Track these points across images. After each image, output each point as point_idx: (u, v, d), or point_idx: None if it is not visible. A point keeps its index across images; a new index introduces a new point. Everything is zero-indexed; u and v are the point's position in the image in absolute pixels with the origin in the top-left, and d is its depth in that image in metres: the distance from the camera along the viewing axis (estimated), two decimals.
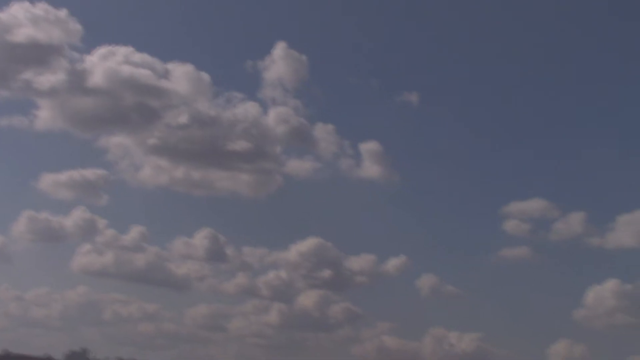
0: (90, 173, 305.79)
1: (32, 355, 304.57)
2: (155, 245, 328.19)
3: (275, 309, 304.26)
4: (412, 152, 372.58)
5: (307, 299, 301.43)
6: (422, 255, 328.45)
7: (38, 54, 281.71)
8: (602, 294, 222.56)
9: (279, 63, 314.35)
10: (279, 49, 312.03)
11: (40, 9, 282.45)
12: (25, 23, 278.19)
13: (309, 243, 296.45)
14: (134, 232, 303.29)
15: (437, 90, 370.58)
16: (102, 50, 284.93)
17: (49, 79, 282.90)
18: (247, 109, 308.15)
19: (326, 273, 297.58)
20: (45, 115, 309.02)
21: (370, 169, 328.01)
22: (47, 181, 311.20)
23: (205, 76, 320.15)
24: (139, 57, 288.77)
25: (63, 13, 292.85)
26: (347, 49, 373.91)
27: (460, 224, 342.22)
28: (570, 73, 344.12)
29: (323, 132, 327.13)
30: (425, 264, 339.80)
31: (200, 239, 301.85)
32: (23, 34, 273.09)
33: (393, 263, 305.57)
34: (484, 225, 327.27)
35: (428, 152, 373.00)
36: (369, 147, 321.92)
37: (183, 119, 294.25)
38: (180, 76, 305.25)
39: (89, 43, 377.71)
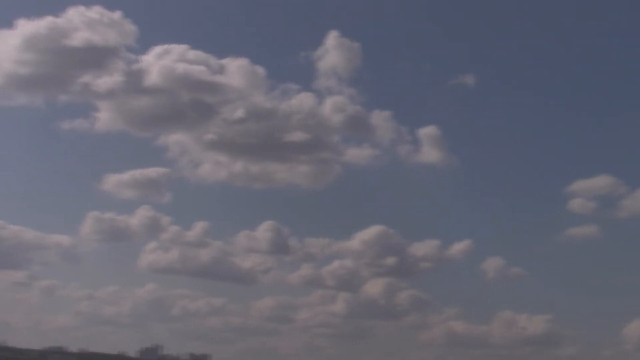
0: (151, 172, 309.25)
1: (107, 352, 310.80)
2: (219, 240, 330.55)
3: (341, 298, 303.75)
4: (470, 134, 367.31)
5: (373, 287, 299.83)
6: (486, 239, 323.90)
7: (95, 57, 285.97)
8: None
9: (332, 52, 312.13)
10: (332, 38, 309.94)
11: (95, 12, 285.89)
12: (82, 27, 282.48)
13: (371, 231, 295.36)
14: (198, 228, 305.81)
15: (492, 70, 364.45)
16: (157, 49, 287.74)
17: (106, 81, 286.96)
18: (302, 100, 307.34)
19: (390, 260, 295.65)
20: (105, 117, 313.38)
21: (430, 154, 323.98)
22: (111, 182, 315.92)
23: (260, 69, 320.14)
24: (193, 54, 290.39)
25: (117, 15, 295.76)
26: (399, 33, 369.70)
27: (524, 205, 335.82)
28: (629, 48, 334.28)
29: (380, 119, 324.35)
30: (490, 247, 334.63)
31: (263, 232, 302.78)
32: (80, 38, 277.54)
33: (458, 247, 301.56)
34: (549, 205, 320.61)
35: (487, 134, 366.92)
36: (427, 131, 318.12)
37: (239, 113, 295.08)
38: (235, 71, 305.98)
39: (144, 43, 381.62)
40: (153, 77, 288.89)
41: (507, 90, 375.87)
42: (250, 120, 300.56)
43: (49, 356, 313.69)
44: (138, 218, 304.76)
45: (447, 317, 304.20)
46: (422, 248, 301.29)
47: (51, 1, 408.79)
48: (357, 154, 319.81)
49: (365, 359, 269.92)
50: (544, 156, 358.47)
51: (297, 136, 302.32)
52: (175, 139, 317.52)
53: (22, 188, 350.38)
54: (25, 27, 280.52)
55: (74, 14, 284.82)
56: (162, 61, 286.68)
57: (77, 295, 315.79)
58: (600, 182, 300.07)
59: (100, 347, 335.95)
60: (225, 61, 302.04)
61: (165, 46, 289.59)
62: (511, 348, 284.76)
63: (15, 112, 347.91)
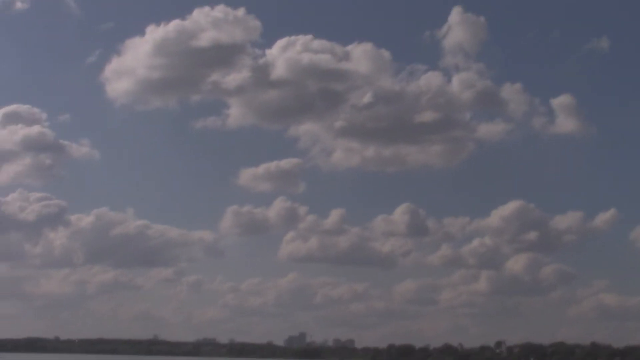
0: (285, 163, 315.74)
1: (256, 342, 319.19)
2: (356, 226, 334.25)
3: (484, 276, 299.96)
4: (607, 101, 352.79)
5: (516, 264, 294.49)
6: (632, 206, 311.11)
7: (222, 55, 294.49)
8: None
9: (457, 29, 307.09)
10: (455, 15, 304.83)
11: (219, 12, 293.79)
12: (207, 27, 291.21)
13: (510, 207, 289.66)
14: (334, 215, 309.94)
15: (628, 31, 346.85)
16: (282, 42, 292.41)
17: (235, 77, 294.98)
18: (430, 80, 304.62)
19: (532, 235, 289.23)
20: (235, 113, 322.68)
21: (565, 124, 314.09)
22: (246, 176, 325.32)
23: (385, 53, 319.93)
24: (317, 43, 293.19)
25: (241, 12, 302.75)
26: (523, 2, 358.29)
27: None
28: None
29: (511, 92, 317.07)
30: (638, 214, 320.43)
31: (400, 215, 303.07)
32: (206, 38, 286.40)
33: (602, 218, 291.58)
34: None
35: (625, 99, 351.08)
36: (561, 101, 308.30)
37: (368, 98, 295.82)
38: (361, 56, 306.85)
39: (269, 37, 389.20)
40: (280, 70, 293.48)
41: None
42: (378, 105, 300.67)
43: (202, 348, 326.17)
44: (275, 210, 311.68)
45: (596, 290, 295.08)
46: (565, 221, 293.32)
47: (178, 4, 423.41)
48: (490, 130, 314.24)
49: (512, 338, 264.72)
50: None
51: (427, 116, 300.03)
52: (305, 129, 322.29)
53: (163, 188, 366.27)
54: (155, 33, 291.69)
55: (200, 15, 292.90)
56: (287, 53, 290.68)
57: (223, 288, 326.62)
58: None
59: (248, 337, 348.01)
60: (349, 47, 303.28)
61: (289, 38, 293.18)
62: None
63: (152, 116, 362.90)
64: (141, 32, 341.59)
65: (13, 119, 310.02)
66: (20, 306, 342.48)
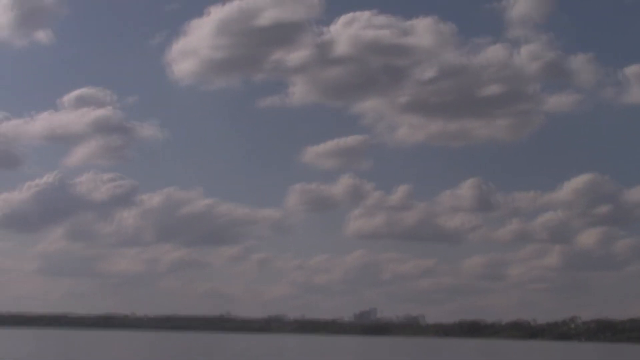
0: (349, 140, 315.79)
1: (324, 318, 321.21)
2: (422, 201, 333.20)
3: (555, 251, 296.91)
4: None
5: (588, 238, 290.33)
6: None
7: (284, 34, 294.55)
8: None
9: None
10: None
11: None
12: (269, 5, 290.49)
13: (581, 179, 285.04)
14: (400, 191, 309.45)
15: None
16: (344, 18, 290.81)
17: (297, 55, 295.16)
18: (495, 52, 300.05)
19: (604, 208, 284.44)
20: (299, 91, 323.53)
21: (638, 93, 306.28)
22: (311, 153, 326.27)
23: (448, 26, 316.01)
24: (379, 19, 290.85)
25: None
26: None
27: None
28: None
29: (581, 62, 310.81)
30: None
31: (467, 190, 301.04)
32: (268, 16, 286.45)
33: None
34: None
35: None
36: (633, 70, 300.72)
37: (431, 72, 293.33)
38: (423, 30, 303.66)
39: (330, 14, 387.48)
40: (342, 47, 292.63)
41: None
42: (442, 79, 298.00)
43: (271, 324, 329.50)
44: (341, 186, 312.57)
45: None
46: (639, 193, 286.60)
47: None
48: (559, 101, 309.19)
49: (585, 313, 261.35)
50: None
51: (493, 89, 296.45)
52: (369, 105, 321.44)
53: (229, 167, 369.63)
54: (217, 13, 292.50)
55: None
56: (350, 30, 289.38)
57: (290, 265, 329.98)
58: None
59: (316, 313, 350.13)
60: (412, 22, 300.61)
61: (351, 14, 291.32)
62: None
63: (216, 96, 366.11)
64: (204, 13, 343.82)
65: (83, 101, 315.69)
66: (95, 284, 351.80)
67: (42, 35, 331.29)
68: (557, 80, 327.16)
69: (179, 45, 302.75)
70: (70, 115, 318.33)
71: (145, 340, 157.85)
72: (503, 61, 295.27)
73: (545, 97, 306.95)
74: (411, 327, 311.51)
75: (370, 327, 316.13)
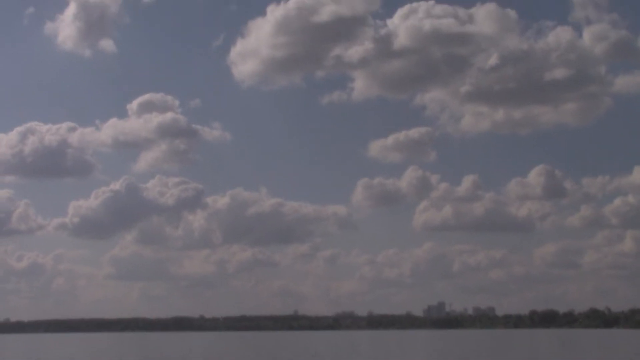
0: (414, 132, 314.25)
1: (394, 313, 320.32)
2: (490, 191, 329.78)
3: (629, 236, 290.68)
4: None
5: None
6: None
7: (344, 29, 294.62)
8: None
9: None
10: None
11: None
12: (327, 1, 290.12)
13: None
14: (467, 182, 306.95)
15: None
16: (402, 10, 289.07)
17: (357, 50, 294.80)
18: (559, 35, 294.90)
19: None
20: (360, 86, 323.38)
21: None
22: (376, 148, 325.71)
23: (510, 12, 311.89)
24: (439, 8, 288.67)
25: None
26: None
27: None
28: None
29: None
30: None
31: (536, 177, 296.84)
32: (327, 12, 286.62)
33: None
34: None
35: None
36: None
37: (494, 60, 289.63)
38: (485, 18, 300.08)
39: (389, 6, 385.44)
40: (402, 39, 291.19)
41: None
42: (506, 66, 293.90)
43: (341, 321, 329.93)
44: (407, 179, 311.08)
45: None
46: None
47: None
48: (629, 82, 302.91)
49: None
50: None
51: (559, 73, 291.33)
52: (432, 96, 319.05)
53: (294, 165, 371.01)
54: (276, 12, 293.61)
55: None
56: (409, 21, 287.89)
57: (359, 261, 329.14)
58: None
59: (386, 308, 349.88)
60: (473, 10, 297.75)
61: (410, 5, 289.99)
62: None
63: (278, 95, 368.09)
64: (263, 13, 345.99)
65: (147, 107, 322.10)
66: (166, 287, 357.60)
67: (106, 45, 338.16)
68: (624, 60, 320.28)
69: (239, 47, 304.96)
70: (135, 121, 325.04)
71: (221, 341, 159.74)
72: (567, 44, 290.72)
73: (612, 79, 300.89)
74: (482, 319, 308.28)
75: (441, 320, 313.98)
